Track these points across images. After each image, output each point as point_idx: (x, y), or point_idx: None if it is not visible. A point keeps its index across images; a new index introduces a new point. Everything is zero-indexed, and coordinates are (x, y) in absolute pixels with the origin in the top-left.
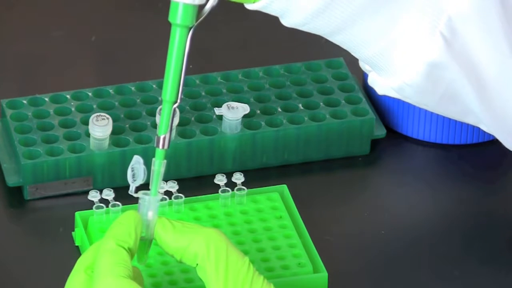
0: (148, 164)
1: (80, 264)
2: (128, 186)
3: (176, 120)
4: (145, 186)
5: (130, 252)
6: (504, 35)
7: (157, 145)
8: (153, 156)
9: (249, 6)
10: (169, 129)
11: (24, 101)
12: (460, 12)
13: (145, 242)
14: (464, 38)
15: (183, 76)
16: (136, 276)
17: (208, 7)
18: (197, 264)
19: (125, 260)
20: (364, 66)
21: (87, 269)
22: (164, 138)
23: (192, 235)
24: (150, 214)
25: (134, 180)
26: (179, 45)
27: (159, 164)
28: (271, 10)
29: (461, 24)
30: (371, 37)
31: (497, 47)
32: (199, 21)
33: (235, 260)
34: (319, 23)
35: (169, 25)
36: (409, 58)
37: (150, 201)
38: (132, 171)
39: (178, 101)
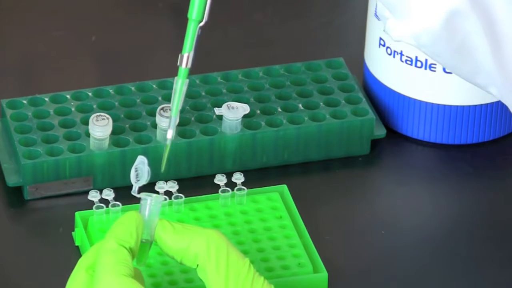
0: (152, 165)
1: (81, 264)
2: (128, 186)
3: (176, 120)
4: (147, 187)
5: (131, 252)
6: None
7: (180, 63)
8: (153, 155)
9: None
10: (193, 47)
11: (24, 101)
12: None
13: (145, 244)
14: None
15: None
16: (137, 277)
17: None
18: (197, 265)
19: (126, 260)
20: (382, 13)
21: (88, 268)
22: (188, 56)
23: (193, 236)
24: (151, 215)
25: (138, 181)
26: None
27: (182, 83)
28: None
29: None
30: None
31: None
32: None
33: (235, 261)
34: None
35: (169, 25)
36: (430, 4)
37: (151, 203)
38: (136, 171)
39: (204, 20)
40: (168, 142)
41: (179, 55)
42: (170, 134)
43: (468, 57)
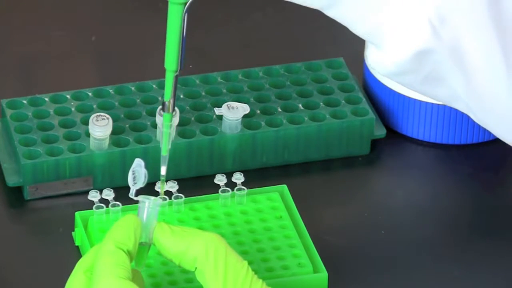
0: (149, 167)
1: (80, 266)
2: (128, 186)
3: (176, 120)
4: (145, 190)
5: (129, 254)
6: (492, 26)
7: (163, 110)
8: (153, 155)
9: None
10: (172, 95)
11: (24, 101)
12: (449, 1)
13: (144, 247)
14: (452, 26)
15: (182, 47)
16: (137, 278)
17: None
18: (196, 268)
19: (125, 262)
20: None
21: (87, 271)
22: (169, 103)
23: (191, 239)
24: (149, 218)
25: (135, 183)
26: (175, 21)
27: (167, 126)
28: None
29: (449, 13)
30: (361, 16)
31: (485, 38)
32: None
33: (234, 263)
34: None
35: None
36: (397, 40)
37: (149, 206)
38: (133, 174)
39: (178, 70)
40: (162, 178)
41: (162, 102)
42: (163, 170)
43: (440, 85)
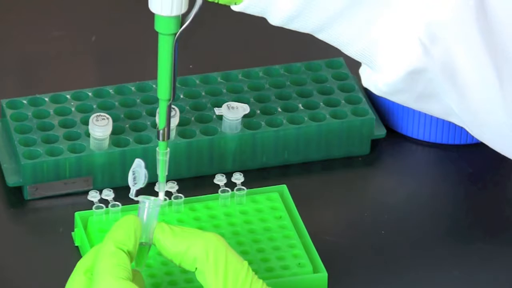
0: (149, 167)
1: (80, 267)
2: (128, 186)
3: (176, 120)
4: (145, 190)
5: (130, 255)
6: (482, 42)
7: (158, 138)
8: (153, 155)
9: (234, 8)
10: (166, 123)
11: (24, 101)
12: (438, 19)
13: (144, 247)
14: (443, 44)
15: (173, 77)
16: (137, 279)
17: (193, 13)
18: (196, 268)
19: (125, 262)
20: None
21: (87, 271)
22: (164, 131)
23: (191, 240)
24: (150, 218)
25: (135, 184)
26: (167, 51)
27: (162, 154)
28: (252, 11)
29: (439, 31)
30: (351, 38)
31: (476, 54)
32: (183, 27)
33: (234, 264)
34: (299, 24)
35: None
36: (389, 60)
37: (150, 206)
38: (133, 174)
39: (171, 99)
40: (151, 227)
41: (157, 130)
42: (161, 195)
43: (434, 101)
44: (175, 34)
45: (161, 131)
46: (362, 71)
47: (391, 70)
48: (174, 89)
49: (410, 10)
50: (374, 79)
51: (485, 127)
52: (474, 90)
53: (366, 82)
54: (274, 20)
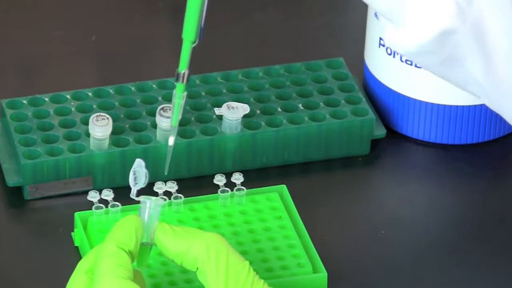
0: (149, 167)
1: (81, 267)
2: (128, 186)
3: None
4: (146, 190)
5: (131, 255)
6: None
7: (177, 80)
8: (153, 155)
9: None
10: (188, 65)
11: (24, 101)
12: None
13: (145, 247)
14: (478, 7)
15: (203, 18)
16: (138, 279)
17: None
18: (197, 268)
19: (126, 262)
20: (382, 19)
21: (88, 271)
22: (184, 73)
23: (192, 240)
24: (151, 218)
25: (136, 184)
26: None
27: (179, 97)
28: None
29: None
30: None
31: (508, 19)
32: None
33: (235, 264)
34: None
35: (169, 25)
36: (421, 18)
37: (151, 206)
38: (134, 174)
39: (197, 41)
40: (170, 149)
41: (176, 72)
42: (171, 140)
43: (458, 67)
44: None
45: (180, 73)
46: (385, 31)
47: (422, 29)
48: (201, 30)
49: None
50: (401, 39)
51: (506, 97)
52: (502, 56)
53: (391, 41)
54: None
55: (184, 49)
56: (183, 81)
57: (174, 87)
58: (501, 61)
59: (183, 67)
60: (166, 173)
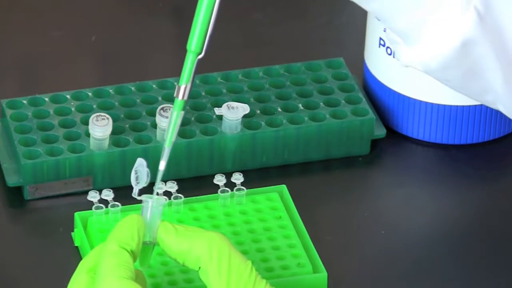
0: (151, 166)
1: (82, 266)
2: (128, 186)
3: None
4: (148, 189)
5: (133, 254)
6: None
7: (177, 95)
8: (153, 155)
9: None
10: (191, 79)
11: (24, 101)
12: None
13: (148, 247)
14: (497, 14)
15: (210, 29)
16: (139, 278)
17: None
18: (199, 268)
19: (128, 262)
20: (391, 38)
21: (89, 271)
22: (185, 88)
23: (195, 239)
24: (153, 217)
25: (138, 183)
26: None
27: (177, 115)
28: None
29: None
30: (406, 7)
31: None
32: None
33: (237, 263)
34: None
35: (169, 25)
36: (442, 32)
37: (153, 205)
38: (136, 173)
39: (203, 53)
40: (160, 173)
41: (176, 85)
42: (162, 165)
43: (477, 79)
44: None
45: (181, 87)
46: (399, 50)
47: (444, 43)
48: (208, 43)
49: None
50: (421, 56)
51: None
52: None
53: (408, 60)
54: None
55: (187, 61)
56: (183, 98)
57: (174, 87)
58: None
59: (184, 80)
60: (155, 195)
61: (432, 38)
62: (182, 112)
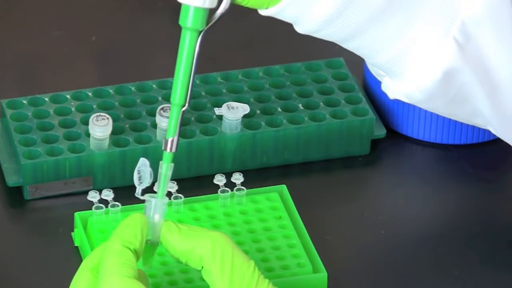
0: (152, 165)
1: (86, 265)
2: (128, 186)
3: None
4: (149, 189)
5: (136, 253)
6: None
7: (165, 148)
8: (153, 155)
9: (262, 12)
10: (177, 132)
11: (24, 101)
12: (473, 16)
13: (151, 245)
14: (477, 42)
15: (191, 80)
16: (141, 278)
17: (219, 11)
18: (202, 267)
19: (131, 261)
20: (377, 71)
21: (93, 269)
22: (172, 141)
23: (198, 238)
24: (157, 217)
25: (141, 183)
26: (189, 49)
27: (166, 168)
28: (284, 17)
29: (474, 28)
30: (384, 43)
31: (510, 50)
32: (209, 25)
33: (240, 263)
34: (332, 30)
35: (169, 25)
36: (423, 64)
37: (156, 204)
38: (139, 173)
39: (186, 105)
40: (156, 227)
41: (163, 139)
42: (157, 218)
43: (464, 105)
44: (200, 31)
45: (169, 140)
46: (385, 85)
47: (426, 74)
48: (190, 93)
49: (444, 9)
50: (404, 89)
51: None
52: (507, 88)
53: (395, 94)
54: (307, 25)
55: (173, 114)
56: (171, 150)
57: None
58: (506, 93)
59: (171, 133)
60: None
61: (414, 71)
62: (172, 164)
